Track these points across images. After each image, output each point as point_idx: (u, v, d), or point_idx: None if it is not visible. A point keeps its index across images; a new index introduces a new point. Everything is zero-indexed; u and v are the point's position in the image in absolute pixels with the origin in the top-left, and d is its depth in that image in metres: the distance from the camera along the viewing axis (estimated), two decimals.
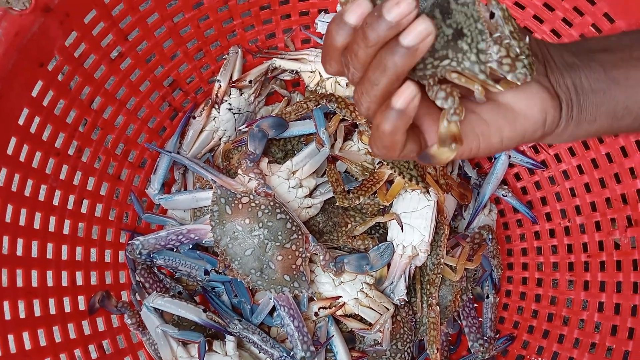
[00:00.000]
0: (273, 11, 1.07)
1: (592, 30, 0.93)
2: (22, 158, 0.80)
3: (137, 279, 0.99)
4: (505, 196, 1.14)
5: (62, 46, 0.80)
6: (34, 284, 0.84)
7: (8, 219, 0.79)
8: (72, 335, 0.88)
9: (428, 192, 0.97)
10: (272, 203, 0.91)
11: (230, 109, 1.07)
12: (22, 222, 0.82)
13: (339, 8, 1.02)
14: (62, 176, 0.89)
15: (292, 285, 0.91)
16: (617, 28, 0.89)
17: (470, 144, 0.47)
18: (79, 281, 0.92)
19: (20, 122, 0.78)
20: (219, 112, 1.06)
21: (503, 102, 0.48)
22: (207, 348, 0.91)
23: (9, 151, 0.77)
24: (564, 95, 0.49)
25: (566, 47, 0.52)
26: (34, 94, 0.79)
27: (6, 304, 0.77)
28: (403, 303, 1.00)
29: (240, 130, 1.09)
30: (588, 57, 0.51)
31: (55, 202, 0.88)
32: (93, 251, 0.96)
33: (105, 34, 0.87)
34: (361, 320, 0.99)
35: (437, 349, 0.97)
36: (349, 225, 1.02)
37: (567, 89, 0.50)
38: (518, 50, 0.44)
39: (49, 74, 0.80)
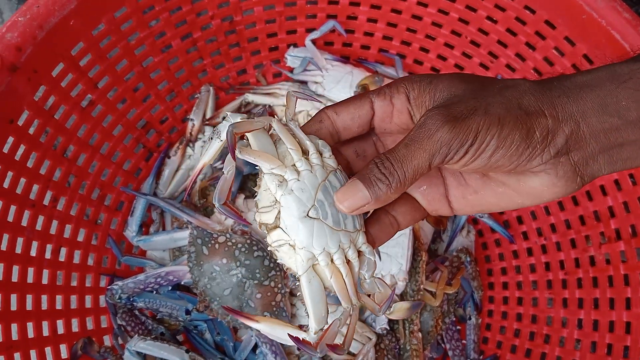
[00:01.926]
0: (242, 48, 1.08)
1: (555, 53, 0.95)
2: None
3: (119, 322, 0.99)
4: (482, 217, 1.15)
5: (31, 101, 0.81)
6: (14, 337, 0.84)
7: None
8: None
9: None
10: (249, 241, 0.92)
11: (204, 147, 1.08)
12: None
13: (307, 42, 1.03)
14: (38, 227, 0.90)
15: None
16: (579, 51, 0.91)
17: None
18: (60, 330, 0.92)
19: None
20: (193, 150, 1.07)
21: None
22: None
23: None
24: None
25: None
26: (5, 150, 0.80)
27: None
28: (385, 331, 1.01)
29: (216, 167, 1.10)
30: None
31: (33, 253, 0.89)
32: (73, 298, 0.96)
33: (75, 84, 0.88)
34: None
35: None
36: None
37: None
38: None
39: (19, 129, 0.81)
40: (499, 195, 0.49)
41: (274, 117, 0.48)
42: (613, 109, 0.44)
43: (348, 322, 0.47)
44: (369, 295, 0.50)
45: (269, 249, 0.48)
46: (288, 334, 0.45)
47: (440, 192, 0.52)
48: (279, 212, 0.45)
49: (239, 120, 0.45)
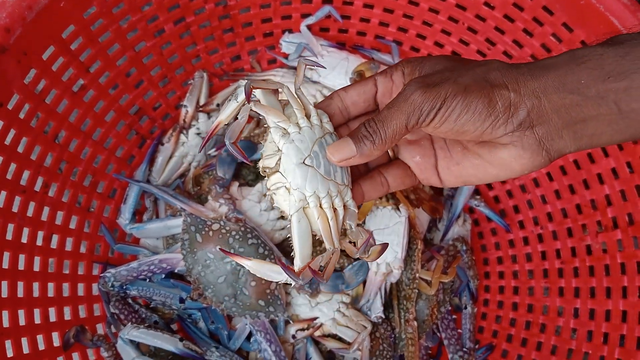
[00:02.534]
0: (236, 34, 1.07)
1: (552, 39, 0.94)
2: None
3: (112, 310, 0.98)
4: (478, 206, 1.14)
5: (22, 84, 0.80)
6: (5, 324, 0.82)
7: None
8: None
9: (399, 208, 0.97)
10: (243, 228, 0.91)
11: (198, 134, 1.07)
12: None
13: (302, 28, 1.02)
14: (29, 213, 0.88)
15: (267, 310, 0.91)
16: (577, 37, 0.90)
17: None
18: (52, 317, 0.91)
19: None
20: (187, 137, 1.06)
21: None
22: None
23: None
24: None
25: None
26: None
27: None
28: (381, 320, 1.00)
29: (209, 154, 1.08)
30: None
31: (24, 239, 0.88)
32: (65, 286, 0.95)
33: (66, 68, 0.87)
34: (340, 339, 0.99)
35: None
36: (323, 245, 1.01)
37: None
38: None
39: (9, 113, 0.79)
40: (476, 166, 0.55)
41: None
42: (573, 86, 0.48)
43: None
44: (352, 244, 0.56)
45: (267, 192, 0.55)
46: (275, 266, 0.51)
47: (431, 162, 0.58)
48: (280, 158, 0.52)
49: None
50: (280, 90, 0.55)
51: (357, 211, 0.56)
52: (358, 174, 0.59)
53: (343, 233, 0.56)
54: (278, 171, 0.52)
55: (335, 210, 0.53)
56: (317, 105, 0.57)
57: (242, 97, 0.53)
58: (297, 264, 0.51)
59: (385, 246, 0.57)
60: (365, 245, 0.55)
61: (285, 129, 0.52)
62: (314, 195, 0.52)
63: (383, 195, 0.62)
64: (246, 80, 1.06)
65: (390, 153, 0.61)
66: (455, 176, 0.58)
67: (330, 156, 0.52)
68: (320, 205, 0.52)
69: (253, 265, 0.53)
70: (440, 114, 0.49)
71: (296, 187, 0.52)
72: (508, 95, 0.49)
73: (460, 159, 0.56)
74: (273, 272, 0.51)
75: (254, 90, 0.52)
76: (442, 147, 0.58)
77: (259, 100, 0.53)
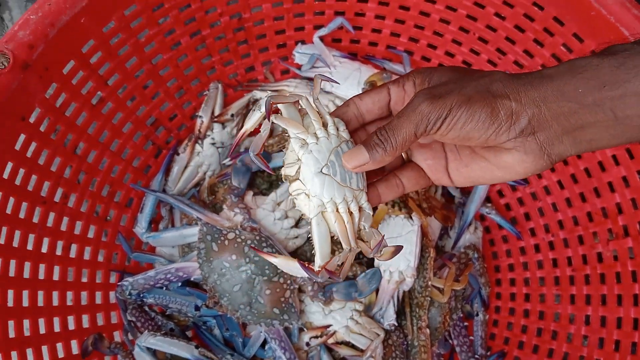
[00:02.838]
0: (250, 45, 1.09)
1: (563, 49, 0.95)
2: (8, 210, 0.82)
3: (129, 318, 1.00)
4: (489, 214, 1.15)
5: (43, 98, 0.81)
6: (26, 332, 0.85)
7: None
8: None
9: (411, 217, 0.98)
10: (258, 237, 0.92)
11: (213, 144, 1.08)
12: (11, 272, 0.83)
13: (315, 39, 1.04)
14: (49, 223, 0.90)
15: (281, 317, 0.92)
16: (587, 47, 0.91)
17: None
18: (71, 325, 0.93)
19: (5, 175, 0.80)
20: (202, 147, 1.08)
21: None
22: None
23: None
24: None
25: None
26: (17, 147, 0.80)
27: None
28: (393, 327, 1.01)
29: (224, 163, 1.10)
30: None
31: (44, 249, 0.90)
32: (84, 294, 0.97)
33: (85, 82, 0.89)
34: (353, 346, 1.00)
35: None
36: (336, 253, 1.03)
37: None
38: None
39: (31, 126, 0.81)
40: (483, 168, 0.59)
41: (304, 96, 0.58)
42: (571, 95, 0.51)
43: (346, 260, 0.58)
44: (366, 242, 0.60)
45: (289, 197, 0.60)
46: (298, 264, 0.56)
47: (442, 164, 0.62)
48: (299, 167, 0.57)
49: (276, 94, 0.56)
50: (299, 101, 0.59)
51: (372, 213, 0.60)
52: (374, 177, 0.63)
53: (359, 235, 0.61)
54: (298, 179, 0.57)
55: (351, 213, 0.58)
56: (334, 112, 0.61)
57: (264, 107, 0.56)
58: (317, 262, 0.55)
59: (399, 248, 0.61)
60: (378, 247, 0.59)
61: (304, 140, 0.56)
62: (331, 202, 0.56)
63: (399, 196, 0.65)
64: (260, 91, 1.09)
65: (404, 156, 0.65)
66: (464, 177, 0.61)
67: (346, 163, 0.57)
68: (337, 209, 0.57)
69: (280, 262, 0.59)
70: (446, 123, 0.52)
71: (314, 194, 0.56)
72: (510, 104, 0.52)
73: (468, 161, 0.60)
74: (297, 269, 0.57)
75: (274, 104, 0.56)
76: (452, 150, 0.62)
77: (280, 113, 0.57)
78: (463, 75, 0.57)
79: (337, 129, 0.59)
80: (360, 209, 0.59)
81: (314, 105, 0.58)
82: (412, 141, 0.54)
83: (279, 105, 0.57)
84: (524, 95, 0.52)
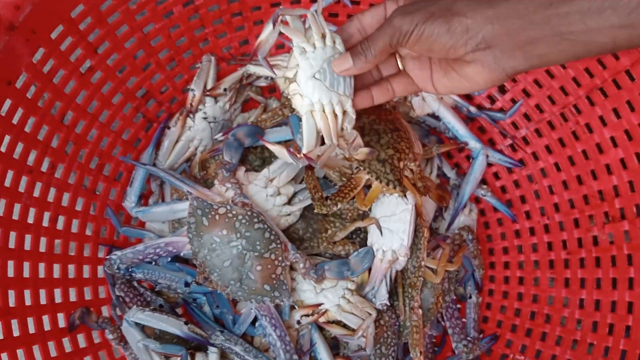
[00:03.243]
0: (245, 18, 1.06)
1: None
2: None
3: (117, 293, 0.98)
4: (485, 196, 1.14)
5: (30, 63, 0.79)
6: (12, 303, 0.83)
7: None
8: (53, 354, 0.87)
9: (405, 195, 0.96)
10: (249, 213, 0.90)
11: (205, 118, 1.06)
12: None
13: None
14: (36, 193, 0.88)
15: (272, 294, 0.91)
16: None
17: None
18: (58, 298, 0.91)
19: None
20: (194, 122, 1.06)
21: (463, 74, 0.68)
22: None
23: None
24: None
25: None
26: (3, 112, 0.78)
27: None
28: (385, 307, 1.00)
29: (216, 139, 1.08)
30: None
31: (30, 220, 0.88)
32: (71, 267, 0.95)
33: (74, 49, 0.86)
34: (344, 326, 0.99)
35: (421, 352, 0.98)
36: (329, 231, 1.01)
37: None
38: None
39: (17, 91, 0.79)
40: (455, 79, 0.68)
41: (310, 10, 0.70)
42: (522, 13, 0.58)
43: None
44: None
45: (287, 96, 0.72)
46: (286, 150, 0.73)
47: (427, 75, 0.72)
48: (297, 71, 0.69)
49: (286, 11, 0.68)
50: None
51: (354, 117, 0.72)
52: (369, 82, 0.75)
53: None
54: (295, 81, 0.69)
55: (335, 115, 0.70)
56: (340, 28, 0.71)
57: (273, 19, 0.67)
58: (303, 150, 0.70)
59: (372, 151, 0.77)
60: (352, 144, 0.74)
61: (303, 48, 0.68)
62: (319, 102, 0.69)
63: (389, 100, 0.76)
64: (254, 65, 1.07)
65: (401, 66, 0.75)
66: (443, 86, 0.71)
67: (334, 68, 0.68)
68: (324, 110, 0.69)
69: (277, 149, 0.75)
70: (413, 35, 0.62)
71: (306, 95, 0.69)
72: (466, 21, 0.59)
73: (445, 72, 0.69)
74: (285, 155, 0.73)
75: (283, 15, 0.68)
76: (435, 62, 0.71)
77: (288, 24, 0.68)
78: None
79: (334, 42, 0.69)
80: (344, 112, 0.71)
81: (317, 18, 0.68)
82: (388, 51, 0.66)
83: (287, 18, 0.68)
84: (480, 13, 0.59)
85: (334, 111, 0.69)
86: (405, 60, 0.74)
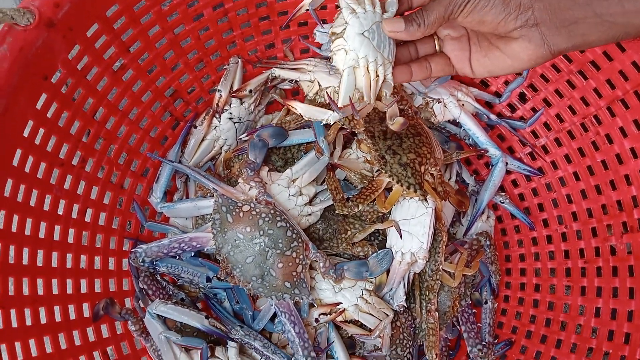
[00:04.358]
0: (272, 22, 1.08)
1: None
2: (27, 169, 0.82)
3: (141, 286, 1.00)
4: (503, 202, 1.15)
5: (66, 59, 0.82)
6: (40, 292, 0.85)
7: (14, 228, 0.81)
8: (77, 342, 0.89)
9: (426, 199, 0.98)
10: (272, 211, 0.92)
11: (231, 118, 1.08)
12: (27, 231, 0.84)
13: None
14: (67, 186, 0.91)
15: (292, 292, 0.92)
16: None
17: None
18: (84, 289, 0.94)
19: (25, 133, 0.80)
20: (219, 122, 1.08)
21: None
22: (209, 354, 0.92)
23: (15, 162, 0.79)
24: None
25: None
26: (39, 106, 0.81)
27: (13, 312, 0.79)
28: (402, 309, 1.01)
29: (240, 139, 1.10)
30: None
31: (60, 211, 0.90)
32: (97, 259, 0.97)
33: (108, 47, 0.89)
34: (361, 326, 1.00)
35: (436, 355, 0.99)
36: (349, 232, 1.03)
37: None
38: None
39: (52, 86, 0.82)
40: (498, 57, 0.71)
41: None
42: None
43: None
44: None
45: (329, 54, 0.78)
46: (322, 108, 0.79)
47: (466, 55, 0.75)
48: (345, 28, 0.71)
49: None
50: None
51: (393, 84, 0.75)
52: (409, 59, 0.78)
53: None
54: (342, 37, 0.72)
55: (377, 75, 0.73)
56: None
57: None
58: (340, 101, 0.74)
59: (405, 122, 0.80)
60: (391, 104, 0.77)
61: (354, 9, 0.70)
62: (364, 58, 0.71)
63: (426, 77, 0.78)
64: (279, 68, 1.09)
65: (437, 47, 0.77)
66: (483, 66, 0.73)
67: (385, 26, 0.71)
68: (368, 68, 0.72)
69: (304, 108, 0.80)
70: (468, 5, 0.65)
71: (353, 49, 0.71)
72: None
73: (487, 52, 0.72)
74: (319, 113, 0.79)
75: None
76: (475, 43, 0.74)
77: None
78: None
79: (385, 10, 0.72)
80: (385, 78, 0.74)
81: None
82: (441, 22, 0.68)
83: None
84: None
85: (377, 72, 0.72)
86: (443, 42, 0.77)
